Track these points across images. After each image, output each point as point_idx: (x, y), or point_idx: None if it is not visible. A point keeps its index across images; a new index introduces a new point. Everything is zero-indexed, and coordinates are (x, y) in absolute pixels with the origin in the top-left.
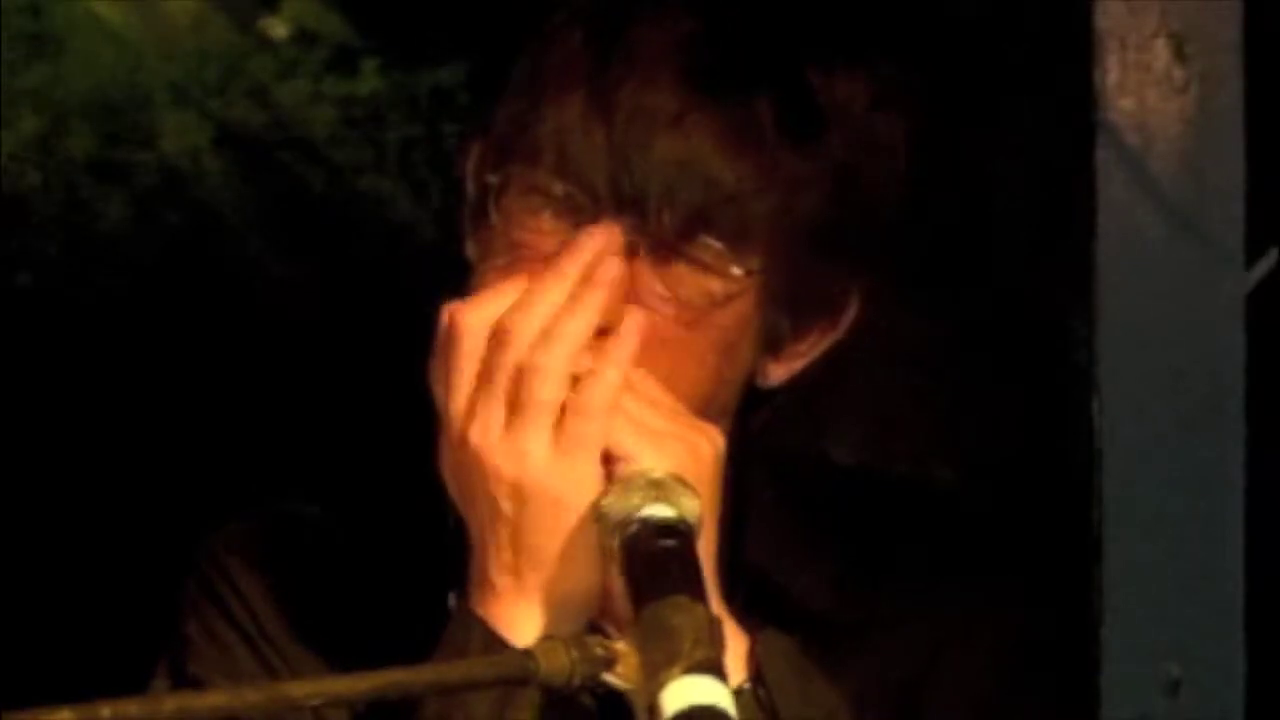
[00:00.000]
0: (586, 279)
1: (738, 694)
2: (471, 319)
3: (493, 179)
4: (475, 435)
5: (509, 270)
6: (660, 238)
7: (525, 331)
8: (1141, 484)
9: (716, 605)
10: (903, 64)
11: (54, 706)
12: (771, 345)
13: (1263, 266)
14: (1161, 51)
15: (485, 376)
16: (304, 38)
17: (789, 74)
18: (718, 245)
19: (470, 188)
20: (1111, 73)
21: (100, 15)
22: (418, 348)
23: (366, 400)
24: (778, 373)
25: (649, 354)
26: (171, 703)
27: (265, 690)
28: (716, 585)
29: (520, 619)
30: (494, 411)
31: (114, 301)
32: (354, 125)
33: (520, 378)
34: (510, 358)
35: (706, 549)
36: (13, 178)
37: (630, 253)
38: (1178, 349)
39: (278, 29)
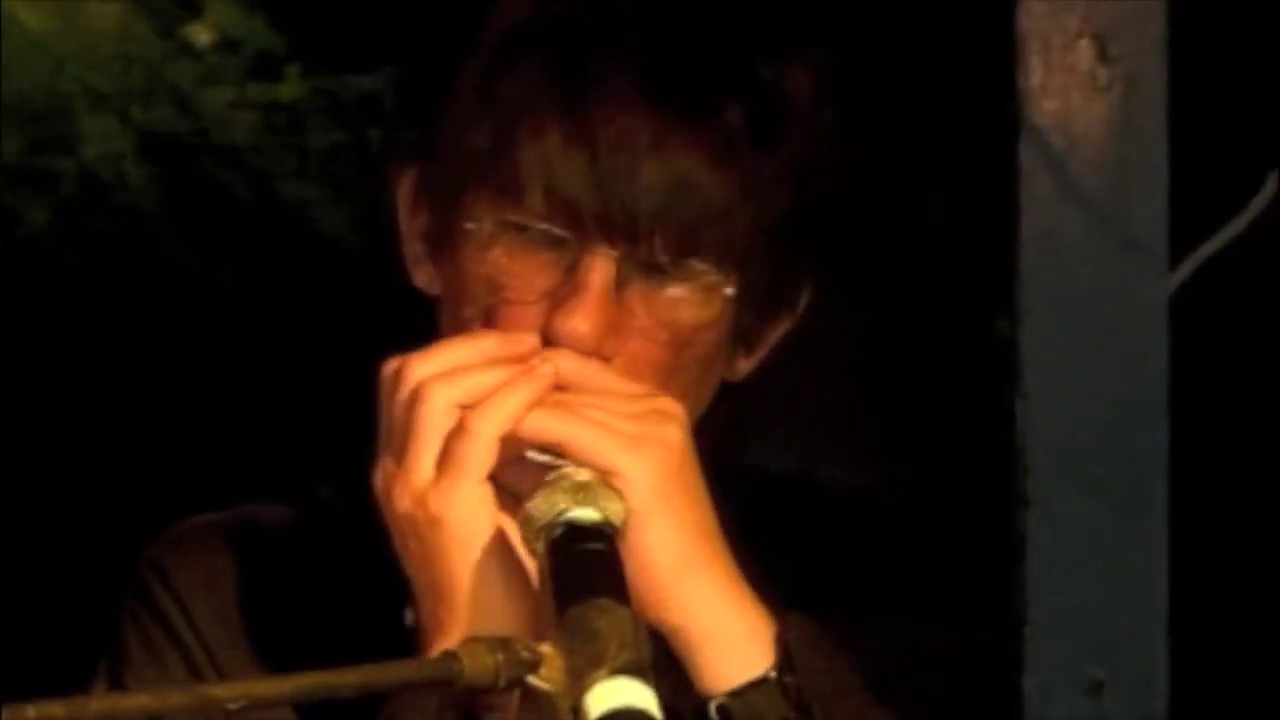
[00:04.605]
0: (525, 369)
1: (763, 683)
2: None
3: (471, 225)
4: (378, 481)
5: (490, 310)
6: (651, 263)
7: (422, 370)
8: (1064, 485)
9: (738, 580)
10: (836, 57)
11: None
12: (743, 342)
13: (1186, 268)
14: (1085, 53)
15: (385, 422)
16: (226, 44)
17: (749, 75)
18: (706, 267)
19: (423, 221)
20: (1035, 74)
21: (22, 21)
22: (339, 352)
23: (287, 404)
24: (745, 366)
25: (640, 378)
26: (96, 704)
27: (190, 692)
28: (733, 559)
29: None
30: (392, 453)
31: (36, 308)
32: (277, 131)
33: (409, 409)
34: (403, 393)
35: (714, 521)
36: None
37: (620, 285)
38: (1102, 350)
39: (200, 35)
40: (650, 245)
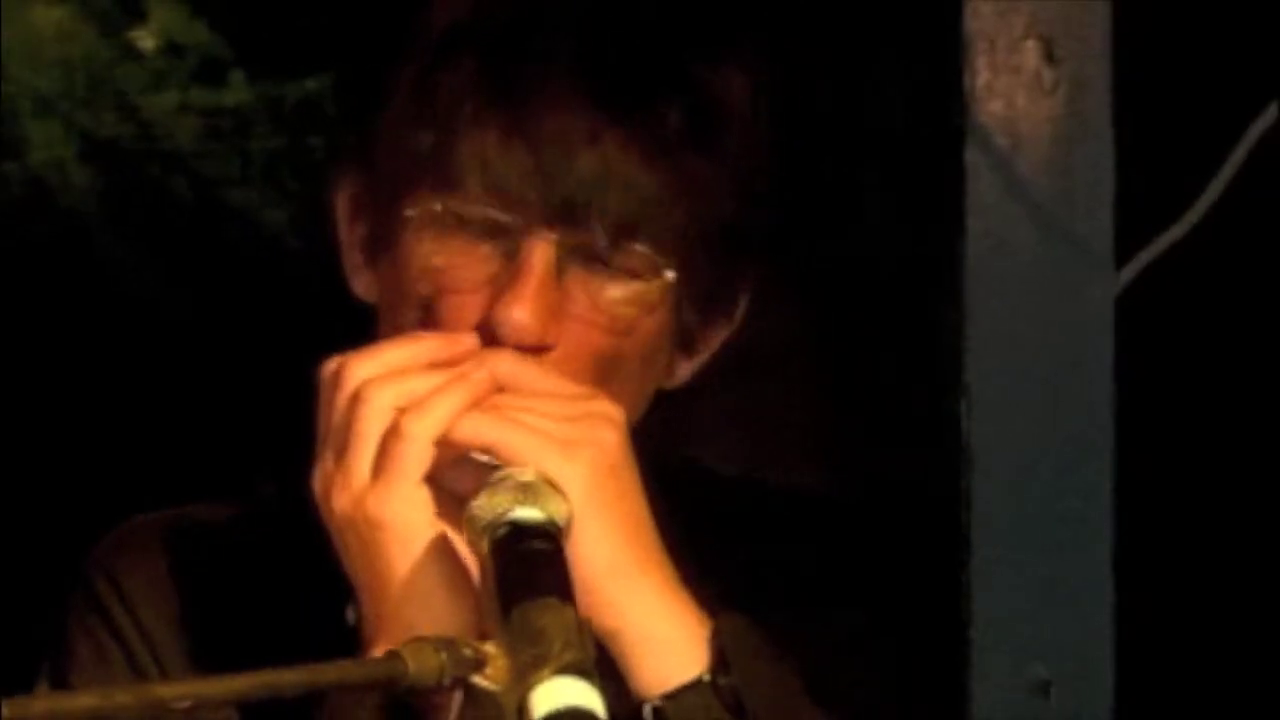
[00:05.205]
0: (461, 373)
1: (697, 686)
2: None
3: (411, 212)
4: (317, 482)
5: (430, 301)
6: (591, 249)
7: (362, 371)
8: (1010, 486)
9: (673, 583)
10: (771, 59)
11: None
12: (684, 344)
13: (1132, 269)
14: (1031, 53)
15: (324, 422)
16: (171, 48)
17: (685, 75)
18: (646, 250)
19: (362, 229)
20: (981, 74)
21: None
22: (280, 354)
23: (233, 408)
24: (685, 370)
25: (581, 366)
26: (40, 704)
27: (135, 692)
28: (669, 563)
29: None
30: (331, 454)
31: None
32: (220, 136)
33: (348, 410)
34: (343, 394)
35: (650, 524)
36: None
37: (560, 271)
38: (1046, 350)
39: (145, 40)
40: (589, 231)
